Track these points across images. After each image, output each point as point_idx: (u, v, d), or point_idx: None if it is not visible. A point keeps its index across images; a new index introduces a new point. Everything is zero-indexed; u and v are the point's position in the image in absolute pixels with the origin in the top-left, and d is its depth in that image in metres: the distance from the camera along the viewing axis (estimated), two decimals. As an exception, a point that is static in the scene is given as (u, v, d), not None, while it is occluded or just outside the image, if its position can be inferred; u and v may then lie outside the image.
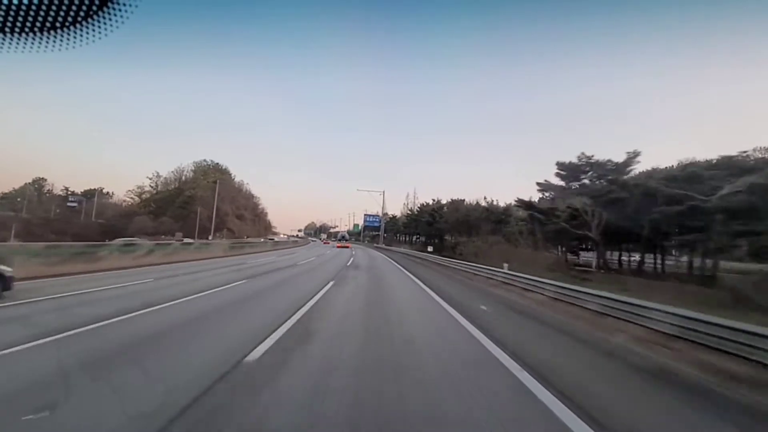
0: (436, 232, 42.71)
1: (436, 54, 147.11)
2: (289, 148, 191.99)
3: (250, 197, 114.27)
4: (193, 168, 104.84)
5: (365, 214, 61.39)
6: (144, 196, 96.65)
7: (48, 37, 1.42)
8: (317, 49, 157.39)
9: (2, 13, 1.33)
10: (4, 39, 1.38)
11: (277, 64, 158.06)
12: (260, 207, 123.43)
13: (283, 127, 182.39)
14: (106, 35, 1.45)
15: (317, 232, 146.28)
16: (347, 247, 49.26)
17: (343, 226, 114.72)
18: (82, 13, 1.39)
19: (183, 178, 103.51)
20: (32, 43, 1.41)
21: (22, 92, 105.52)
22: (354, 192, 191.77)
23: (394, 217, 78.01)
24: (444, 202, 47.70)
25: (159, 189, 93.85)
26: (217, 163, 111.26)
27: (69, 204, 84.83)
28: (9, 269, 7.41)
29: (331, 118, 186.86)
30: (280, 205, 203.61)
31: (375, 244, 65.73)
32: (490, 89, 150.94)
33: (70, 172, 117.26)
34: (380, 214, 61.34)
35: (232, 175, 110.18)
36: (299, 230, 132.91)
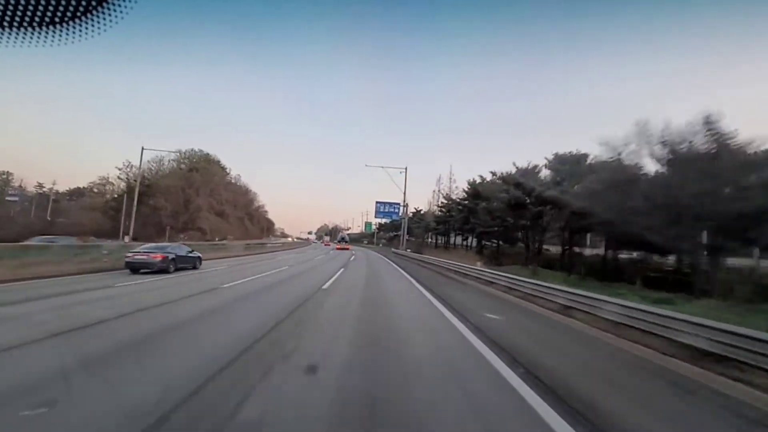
0: (523, 225, 20.33)
1: (447, 48, 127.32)
2: (300, 151, 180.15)
3: (243, 192, 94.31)
4: (174, 158, 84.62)
5: (377, 203, 39.04)
6: (108, 188, 77.48)
7: (47, 32, 1.44)
8: (325, 48, 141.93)
9: (0, 8, 1.36)
10: (2, 33, 1.42)
11: (283, 65, 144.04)
12: (257, 204, 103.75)
13: (292, 127, 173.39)
14: (105, 31, 1.47)
15: (328, 233, 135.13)
16: (347, 249, 46.70)
17: (356, 227, 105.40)
18: (81, 9, 1.41)
19: (160, 170, 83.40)
20: (31, 38, 1.43)
21: (17, 87, 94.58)
22: (366, 190, 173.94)
23: (418, 211, 55.57)
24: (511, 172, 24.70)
25: (130, 181, 73.86)
26: (207, 154, 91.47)
27: (8, 199, 68.93)
28: (200, 254, 15.91)
29: (341, 119, 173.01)
30: (292, 207, 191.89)
31: (394, 250, 43.26)
32: (500, 79, 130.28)
33: (71, 171, 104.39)
34: (401, 202, 38.95)
35: (227, 168, 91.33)
36: (309, 232, 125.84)
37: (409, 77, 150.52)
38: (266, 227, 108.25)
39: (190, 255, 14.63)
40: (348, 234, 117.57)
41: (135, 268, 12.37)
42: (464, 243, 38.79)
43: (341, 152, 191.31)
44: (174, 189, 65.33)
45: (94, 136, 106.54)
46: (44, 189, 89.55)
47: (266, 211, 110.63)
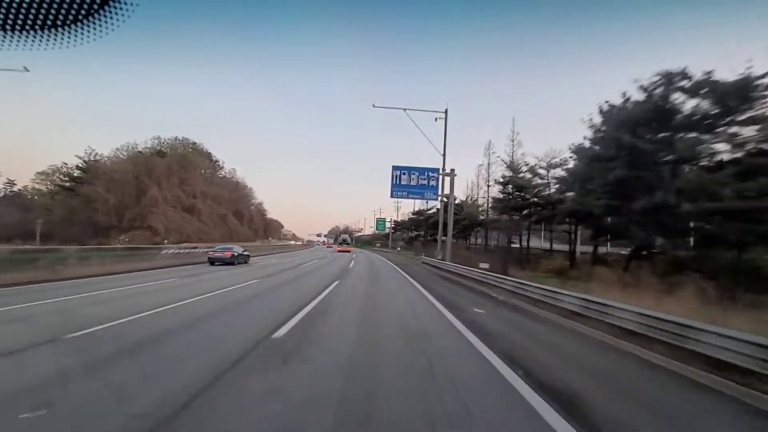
0: None
1: (448, 44, 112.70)
2: (308, 154, 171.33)
3: (232, 187, 77.02)
4: (150, 145, 67.92)
5: (395, 168, 20.32)
6: (57, 178, 61.33)
7: (49, 35, 1.41)
8: (333, 47, 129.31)
9: (3, 11, 1.33)
10: (5, 36, 1.39)
11: (290, 63, 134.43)
12: (254, 202, 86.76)
13: (299, 129, 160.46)
14: (107, 34, 1.45)
15: (338, 235, 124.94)
16: (348, 251, 44.61)
17: (368, 229, 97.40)
18: (83, 12, 1.38)
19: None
20: (33, 41, 1.41)
21: (17, 86, 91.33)
22: (376, 185, 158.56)
23: (450, 201, 36.96)
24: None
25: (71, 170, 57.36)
26: (194, 143, 74.58)
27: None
28: (248, 252, 20.49)
29: (347, 119, 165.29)
30: (303, 209, 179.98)
31: (427, 258, 24.79)
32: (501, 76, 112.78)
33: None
34: (441, 167, 20.57)
35: (220, 162, 75.11)
36: (318, 234, 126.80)
37: (413, 70, 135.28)
38: (263, 228, 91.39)
39: (244, 254, 19.47)
40: (359, 235, 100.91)
41: (212, 262, 17.41)
42: (573, 246, 19.95)
43: (346, 152, 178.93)
44: (122, 176, 48.53)
45: (94, 135, 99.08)
46: (15, 187, 74.28)
47: (265, 210, 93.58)
